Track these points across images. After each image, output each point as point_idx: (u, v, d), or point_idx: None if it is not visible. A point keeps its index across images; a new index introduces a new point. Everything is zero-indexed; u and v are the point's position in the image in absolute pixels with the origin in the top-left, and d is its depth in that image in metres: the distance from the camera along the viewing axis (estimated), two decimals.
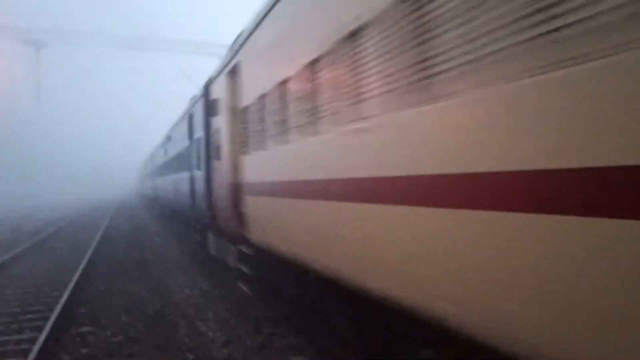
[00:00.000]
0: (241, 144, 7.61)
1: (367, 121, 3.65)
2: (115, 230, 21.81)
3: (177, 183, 16.13)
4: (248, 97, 7.11)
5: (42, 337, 6.28)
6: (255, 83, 6.69)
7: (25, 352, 5.93)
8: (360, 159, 3.79)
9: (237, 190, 7.79)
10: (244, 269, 8.14)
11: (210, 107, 9.95)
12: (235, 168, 7.79)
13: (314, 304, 5.69)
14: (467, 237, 2.62)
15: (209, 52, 41.73)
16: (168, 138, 20.33)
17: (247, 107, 7.20)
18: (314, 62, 4.61)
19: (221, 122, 8.90)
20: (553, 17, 2.08)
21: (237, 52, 7.87)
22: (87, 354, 6.12)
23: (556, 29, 2.07)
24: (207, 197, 10.24)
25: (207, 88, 10.60)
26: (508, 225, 2.33)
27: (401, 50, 3.19)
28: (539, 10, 2.14)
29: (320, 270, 4.71)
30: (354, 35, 3.81)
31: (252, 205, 7.08)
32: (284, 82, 5.51)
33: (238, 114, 7.75)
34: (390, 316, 3.65)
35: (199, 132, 11.42)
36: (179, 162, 15.88)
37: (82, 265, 11.42)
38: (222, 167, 8.65)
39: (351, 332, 4.78)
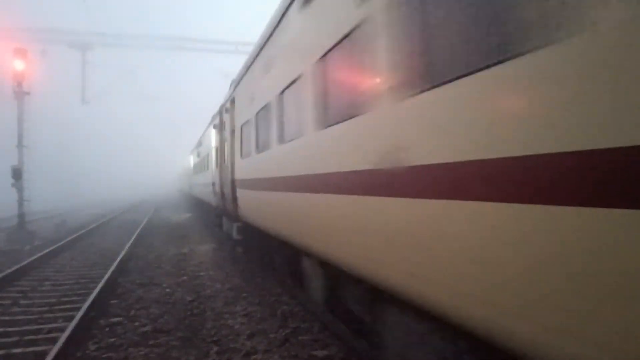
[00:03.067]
0: (236, 152, 10.44)
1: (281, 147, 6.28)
2: (153, 227, 22.26)
3: (203, 179, 20.35)
4: (238, 122, 10.15)
5: (72, 326, 6.42)
6: (241, 113, 9.81)
7: (54, 340, 6.05)
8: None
9: (234, 184, 10.55)
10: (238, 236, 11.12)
11: (221, 125, 13.63)
12: (233, 169, 10.64)
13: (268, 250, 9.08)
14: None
15: (246, 51, 42.07)
16: (199, 143, 24.49)
17: (238, 128, 10.10)
18: (263, 108, 7.42)
19: (226, 136, 12.29)
20: None
21: (232, 92, 11.50)
22: (114, 343, 6.20)
23: None
24: (220, 190, 13.45)
25: (220, 111, 13.83)
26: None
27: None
28: None
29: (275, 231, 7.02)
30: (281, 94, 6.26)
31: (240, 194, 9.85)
32: (247, 121, 8.90)
33: (233, 132, 10.78)
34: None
35: (217, 142, 15.07)
36: (204, 163, 20.33)
37: (117, 260, 11.67)
38: (227, 168, 11.74)
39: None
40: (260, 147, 7.67)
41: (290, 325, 6.72)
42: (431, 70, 2.81)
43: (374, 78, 3.53)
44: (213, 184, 15.80)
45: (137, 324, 7.05)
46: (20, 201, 17.41)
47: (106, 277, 9.63)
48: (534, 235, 2.03)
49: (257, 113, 7.90)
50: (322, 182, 4.59)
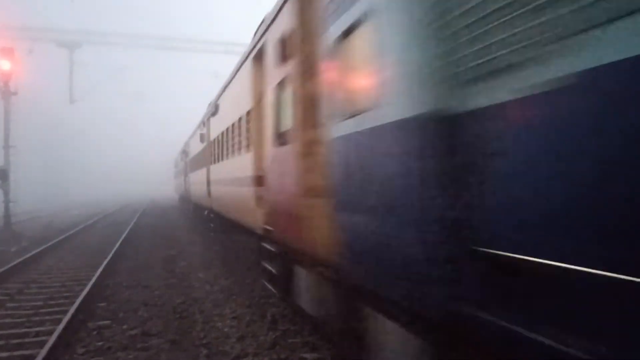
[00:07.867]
0: (210, 159, 14.96)
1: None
2: (142, 228, 22.15)
3: (189, 180, 26.07)
4: (212, 136, 14.81)
5: (59, 329, 6.37)
6: (211, 131, 14.87)
7: (42, 344, 6.00)
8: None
9: (209, 182, 15.20)
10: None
11: (202, 136, 17.78)
12: (209, 172, 15.03)
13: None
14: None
15: (237, 52, 41.92)
16: (187, 145, 27.93)
17: (212, 141, 14.57)
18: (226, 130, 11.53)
19: (205, 145, 16.78)
20: None
21: (206, 114, 16.38)
22: (102, 347, 6.16)
23: None
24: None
25: (203, 123, 17.65)
26: None
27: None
28: None
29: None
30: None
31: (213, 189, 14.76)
32: (217, 136, 13.24)
33: (211, 143, 15.00)
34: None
35: (198, 149, 19.53)
36: (193, 164, 24.85)
37: (105, 261, 11.59)
38: (204, 172, 16.32)
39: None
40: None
41: (280, 328, 6.72)
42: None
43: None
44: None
45: (125, 326, 7.02)
46: (7, 202, 17.23)
47: (94, 279, 9.57)
48: None
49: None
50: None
